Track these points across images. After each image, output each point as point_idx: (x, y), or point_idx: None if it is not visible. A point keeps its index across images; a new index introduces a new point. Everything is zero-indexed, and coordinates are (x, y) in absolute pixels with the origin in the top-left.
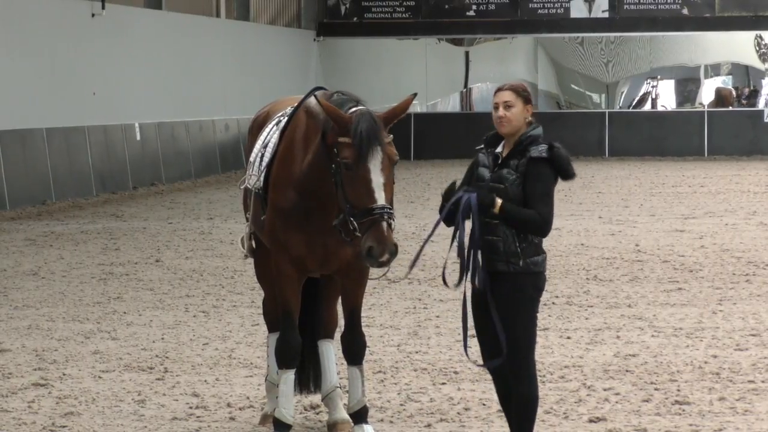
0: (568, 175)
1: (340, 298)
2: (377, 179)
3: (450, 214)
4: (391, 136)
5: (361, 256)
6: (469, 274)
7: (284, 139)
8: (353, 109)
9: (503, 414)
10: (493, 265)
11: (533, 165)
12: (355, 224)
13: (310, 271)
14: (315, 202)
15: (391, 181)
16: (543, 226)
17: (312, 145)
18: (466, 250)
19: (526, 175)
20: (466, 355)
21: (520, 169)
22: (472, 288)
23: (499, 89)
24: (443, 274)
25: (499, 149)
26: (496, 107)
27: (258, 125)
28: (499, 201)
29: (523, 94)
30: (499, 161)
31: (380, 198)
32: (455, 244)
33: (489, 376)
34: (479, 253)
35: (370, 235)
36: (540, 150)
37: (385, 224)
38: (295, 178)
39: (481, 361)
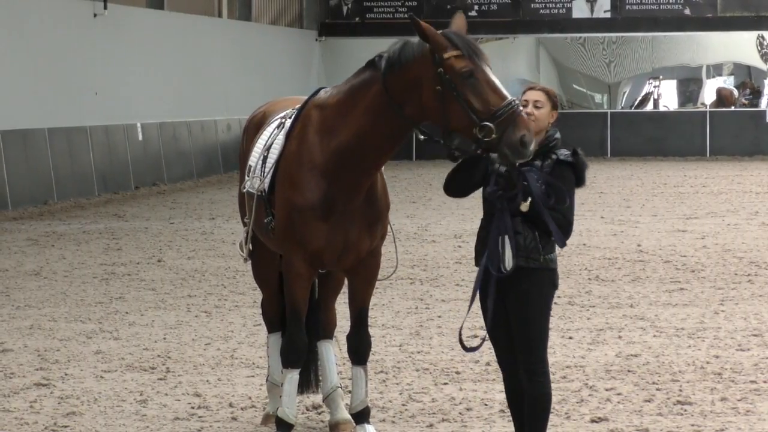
0: (581, 182)
1: (338, 296)
2: (496, 78)
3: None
4: None
5: (514, 149)
6: (504, 260)
7: (293, 138)
8: (442, 30)
9: (505, 413)
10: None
11: (559, 168)
12: (490, 126)
13: (324, 266)
14: (342, 187)
15: None
16: (567, 228)
17: (341, 128)
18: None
19: (550, 176)
20: (460, 341)
21: (545, 170)
22: (491, 278)
23: (530, 88)
24: (460, 337)
25: None
26: (525, 104)
27: (254, 126)
28: (529, 199)
29: (553, 98)
30: None
31: (507, 93)
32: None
33: (491, 376)
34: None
35: (516, 127)
36: (566, 154)
37: (524, 112)
38: (321, 168)
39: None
